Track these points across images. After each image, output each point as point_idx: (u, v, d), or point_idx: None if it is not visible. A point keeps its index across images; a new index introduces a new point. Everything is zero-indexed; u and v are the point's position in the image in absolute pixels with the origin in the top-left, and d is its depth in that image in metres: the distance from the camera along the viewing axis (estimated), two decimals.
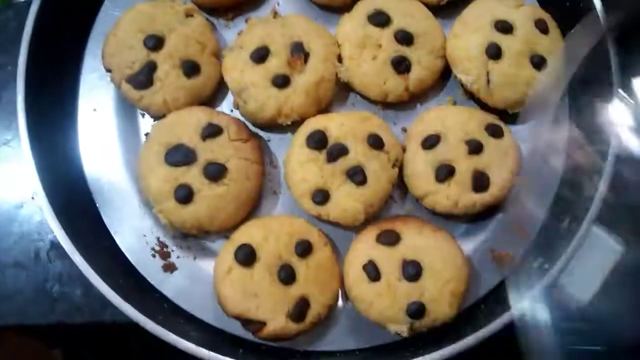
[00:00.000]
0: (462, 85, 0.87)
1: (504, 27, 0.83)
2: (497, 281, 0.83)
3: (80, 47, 0.90)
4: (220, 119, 0.81)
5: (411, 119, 0.87)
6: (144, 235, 0.83)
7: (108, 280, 0.75)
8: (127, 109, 0.88)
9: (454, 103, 0.89)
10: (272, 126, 0.86)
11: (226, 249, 0.78)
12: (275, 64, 0.82)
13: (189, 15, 0.86)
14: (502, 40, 0.82)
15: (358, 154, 0.79)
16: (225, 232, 0.82)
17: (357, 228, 0.82)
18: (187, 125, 0.80)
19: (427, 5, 0.89)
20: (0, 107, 0.97)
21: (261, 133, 0.88)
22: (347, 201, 0.78)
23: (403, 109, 0.89)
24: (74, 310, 0.89)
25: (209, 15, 0.92)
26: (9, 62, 0.97)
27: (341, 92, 0.89)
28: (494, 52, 0.82)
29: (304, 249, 0.77)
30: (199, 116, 0.81)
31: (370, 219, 0.81)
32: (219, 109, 0.88)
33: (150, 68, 0.82)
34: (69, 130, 0.87)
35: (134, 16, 0.84)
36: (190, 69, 0.83)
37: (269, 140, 0.88)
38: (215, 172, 0.78)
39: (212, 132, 0.80)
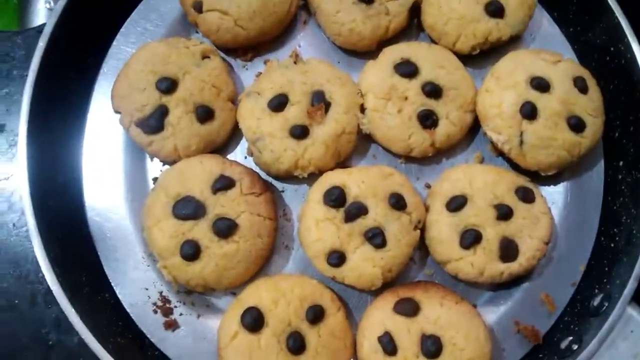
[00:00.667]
0: (491, 141, 0.81)
1: (541, 85, 0.77)
2: (521, 355, 0.77)
3: (89, 82, 0.86)
4: (233, 170, 0.76)
5: (436, 175, 0.82)
6: (146, 289, 0.78)
7: (101, 338, 0.70)
8: (135, 151, 0.83)
9: (482, 160, 0.84)
10: (288, 177, 0.81)
11: (232, 311, 0.73)
12: (294, 113, 0.78)
13: (205, 56, 0.81)
14: (538, 99, 0.77)
15: (378, 214, 0.74)
16: (233, 289, 0.77)
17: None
18: (197, 175, 0.75)
19: (457, 54, 0.84)
20: (3, 136, 0.93)
21: (275, 183, 0.83)
22: (364, 265, 0.73)
23: (427, 163, 0.84)
24: (71, 359, 0.84)
25: (225, 55, 0.87)
26: (15, 91, 0.93)
27: (362, 142, 0.84)
28: (529, 112, 0.76)
29: (316, 314, 0.72)
30: (211, 166, 0.76)
31: (389, 282, 0.76)
32: (231, 155, 0.84)
33: (162, 112, 0.77)
34: (72, 169, 0.82)
35: (146, 55, 0.79)
36: (205, 114, 0.78)
37: (283, 191, 0.83)
38: (225, 229, 0.73)
39: (223, 185, 0.75)
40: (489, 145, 0.84)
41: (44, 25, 0.81)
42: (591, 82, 0.80)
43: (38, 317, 0.85)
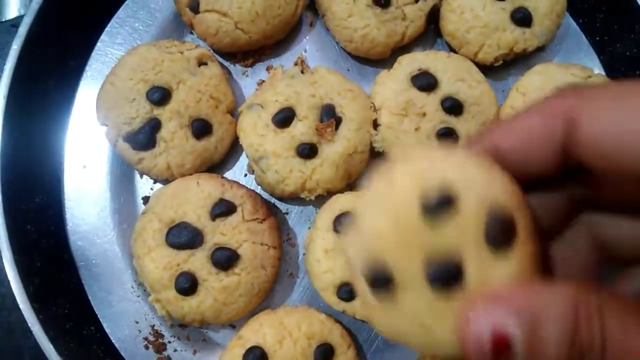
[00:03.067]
0: None
1: None
2: None
3: (70, 88, 0.77)
4: (234, 194, 0.69)
5: None
6: (137, 322, 0.71)
7: None
8: (123, 167, 0.75)
9: None
10: (293, 198, 0.74)
11: (233, 350, 0.66)
12: (301, 129, 0.70)
13: (202, 63, 0.73)
14: None
15: None
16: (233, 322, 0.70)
17: None
18: (194, 199, 0.68)
19: (477, 64, 0.77)
20: None
21: (278, 204, 0.76)
22: None
23: None
24: None
25: (223, 59, 0.78)
26: None
27: (373, 160, 0.77)
28: None
29: (325, 354, 0.66)
30: (210, 189, 0.68)
31: None
32: (230, 173, 0.76)
33: (153, 126, 0.69)
34: (52, 188, 0.74)
35: (136, 61, 0.71)
36: (201, 128, 0.70)
37: (286, 213, 0.76)
38: (225, 260, 0.66)
39: (223, 210, 0.67)
40: None
41: (18, 18, 0.71)
42: None
43: (15, 345, 0.78)
